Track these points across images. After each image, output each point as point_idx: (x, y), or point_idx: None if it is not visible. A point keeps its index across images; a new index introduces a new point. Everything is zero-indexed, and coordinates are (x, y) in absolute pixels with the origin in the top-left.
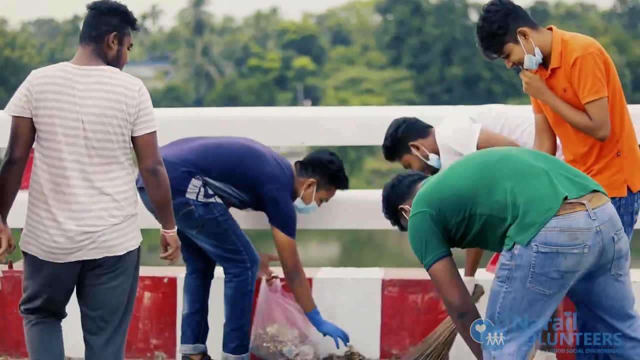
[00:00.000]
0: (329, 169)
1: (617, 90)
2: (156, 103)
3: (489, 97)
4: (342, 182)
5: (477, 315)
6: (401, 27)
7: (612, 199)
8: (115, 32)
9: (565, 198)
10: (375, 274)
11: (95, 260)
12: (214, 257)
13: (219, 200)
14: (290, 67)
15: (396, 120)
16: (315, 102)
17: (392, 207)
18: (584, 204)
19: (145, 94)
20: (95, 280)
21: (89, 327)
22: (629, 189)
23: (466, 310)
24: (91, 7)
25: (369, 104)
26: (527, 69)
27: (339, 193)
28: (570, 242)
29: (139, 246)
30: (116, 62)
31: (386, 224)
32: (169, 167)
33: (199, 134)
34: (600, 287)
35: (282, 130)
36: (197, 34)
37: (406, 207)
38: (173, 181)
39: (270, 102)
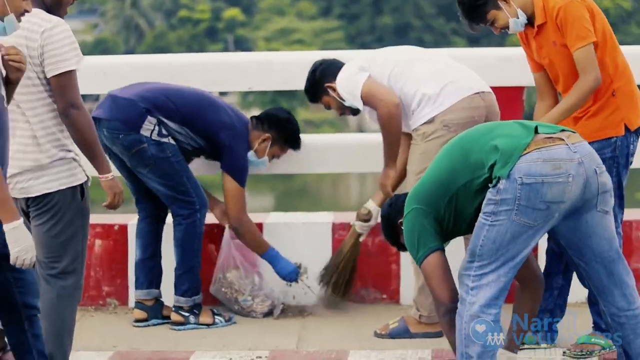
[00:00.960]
0: (287, 128)
1: (606, 32)
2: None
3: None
4: (296, 142)
5: None
6: None
7: (609, 139)
8: None
9: (537, 131)
10: (325, 218)
11: (24, 199)
12: (163, 197)
13: (172, 142)
14: (220, 18)
15: (315, 62)
16: None
17: (392, 224)
18: (563, 139)
19: (53, 36)
20: (31, 218)
21: (39, 271)
22: (626, 128)
23: (454, 309)
24: None
25: None
26: (513, 32)
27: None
28: (554, 171)
29: (77, 190)
30: (56, 7)
31: (319, 168)
32: (127, 104)
33: (140, 81)
34: (588, 225)
35: (228, 74)
36: None
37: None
38: (129, 117)
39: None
